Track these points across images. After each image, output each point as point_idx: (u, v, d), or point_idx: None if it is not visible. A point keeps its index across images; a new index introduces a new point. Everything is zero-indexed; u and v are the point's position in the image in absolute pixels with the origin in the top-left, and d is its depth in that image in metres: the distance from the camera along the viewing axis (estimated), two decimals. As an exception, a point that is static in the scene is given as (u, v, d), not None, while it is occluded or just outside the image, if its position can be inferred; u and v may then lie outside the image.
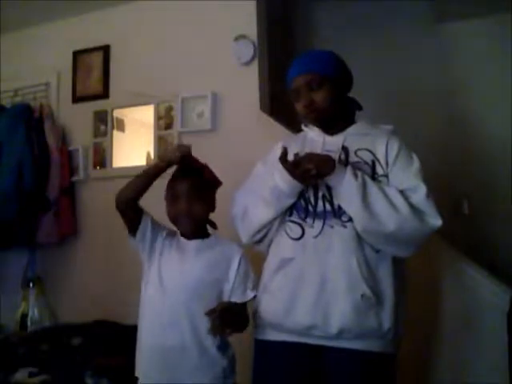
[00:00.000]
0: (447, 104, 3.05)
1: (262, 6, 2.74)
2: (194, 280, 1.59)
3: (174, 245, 1.67)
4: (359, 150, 1.58)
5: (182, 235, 1.69)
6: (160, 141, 2.81)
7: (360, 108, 1.71)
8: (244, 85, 2.65)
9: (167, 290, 1.59)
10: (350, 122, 1.67)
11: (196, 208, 1.63)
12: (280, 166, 1.54)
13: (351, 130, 1.63)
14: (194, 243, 1.66)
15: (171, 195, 1.66)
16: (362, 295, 1.46)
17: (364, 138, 1.60)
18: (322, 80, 1.59)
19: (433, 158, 2.80)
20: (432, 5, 2.93)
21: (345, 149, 1.59)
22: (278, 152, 1.65)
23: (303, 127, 1.75)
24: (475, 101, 2.99)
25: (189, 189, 1.63)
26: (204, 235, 1.69)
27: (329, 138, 1.63)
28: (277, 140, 1.77)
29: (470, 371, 2.02)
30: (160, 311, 1.58)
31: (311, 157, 1.52)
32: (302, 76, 1.60)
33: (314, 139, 1.66)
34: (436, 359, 2.09)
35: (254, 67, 2.64)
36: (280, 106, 2.76)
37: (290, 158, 1.56)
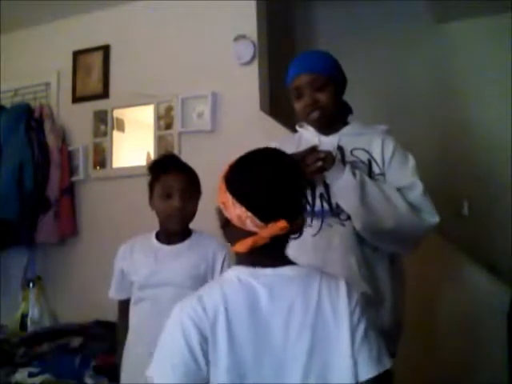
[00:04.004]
0: (447, 104, 3.05)
1: (262, 5, 2.74)
2: (177, 284, 1.56)
3: (150, 255, 1.63)
4: (355, 149, 1.58)
5: (160, 238, 1.65)
6: (160, 141, 2.81)
7: (351, 112, 1.71)
8: (244, 85, 2.65)
9: (151, 304, 1.58)
10: (344, 123, 1.67)
11: (190, 206, 1.61)
12: None
13: (345, 130, 1.63)
14: (172, 248, 1.63)
15: (163, 191, 1.60)
16: (362, 293, 1.45)
17: (359, 138, 1.60)
18: (326, 81, 1.58)
19: (433, 159, 2.81)
20: (432, 5, 2.93)
21: (340, 148, 1.59)
22: None
23: (297, 128, 1.74)
24: (475, 101, 2.99)
25: (185, 185, 1.60)
26: (186, 234, 1.66)
27: (324, 138, 1.63)
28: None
29: (469, 371, 2.02)
30: (147, 322, 1.57)
31: (315, 149, 1.52)
32: (306, 75, 1.58)
33: (308, 139, 1.66)
34: (435, 359, 2.09)
35: (254, 67, 2.64)
36: (280, 105, 2.76)
37: None
